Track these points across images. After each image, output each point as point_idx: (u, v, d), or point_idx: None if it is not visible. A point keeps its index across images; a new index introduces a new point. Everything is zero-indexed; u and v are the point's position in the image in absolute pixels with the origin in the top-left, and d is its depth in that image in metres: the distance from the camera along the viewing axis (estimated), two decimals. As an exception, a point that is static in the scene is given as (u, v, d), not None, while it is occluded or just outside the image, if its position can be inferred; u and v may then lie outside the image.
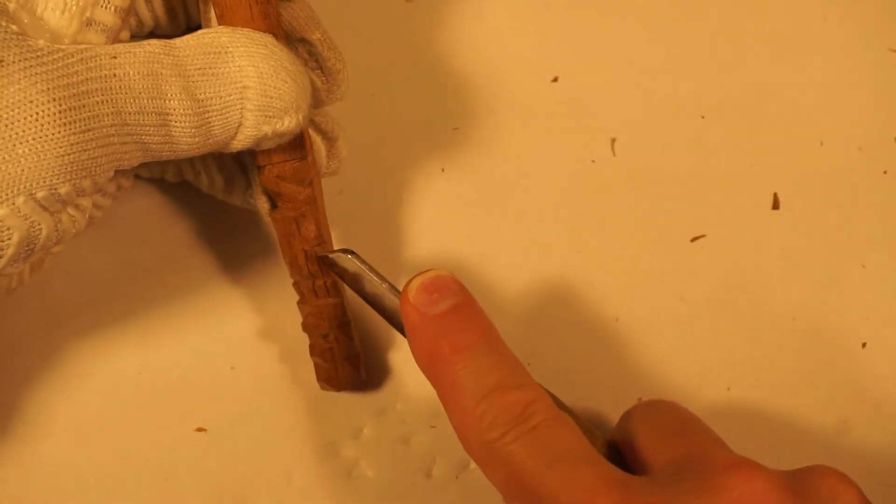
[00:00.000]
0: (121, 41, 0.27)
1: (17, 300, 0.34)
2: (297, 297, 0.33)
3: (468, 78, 0.38)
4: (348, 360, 0.33)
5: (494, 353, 0.29)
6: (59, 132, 0.25)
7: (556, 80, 0.39)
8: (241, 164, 0.33)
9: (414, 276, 0.29)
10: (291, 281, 0.32)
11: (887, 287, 0.37)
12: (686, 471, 0.27)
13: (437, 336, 0.29)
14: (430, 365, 0.29)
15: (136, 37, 0.30)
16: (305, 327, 0.32)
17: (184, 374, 0.34)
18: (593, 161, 0.38)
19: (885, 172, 0.38)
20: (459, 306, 0.29)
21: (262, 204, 0.32)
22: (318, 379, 0.33)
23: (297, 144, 0.31)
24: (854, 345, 0.36)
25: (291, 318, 0.34)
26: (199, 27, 0.30)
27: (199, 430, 0.34)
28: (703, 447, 0.28)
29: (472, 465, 0.34)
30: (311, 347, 0.33)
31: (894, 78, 0.39)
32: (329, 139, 0.33)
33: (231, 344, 0.34)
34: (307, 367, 0.34)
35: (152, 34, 0.31)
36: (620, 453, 0.30)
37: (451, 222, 0.37)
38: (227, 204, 0.34)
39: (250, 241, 0.36)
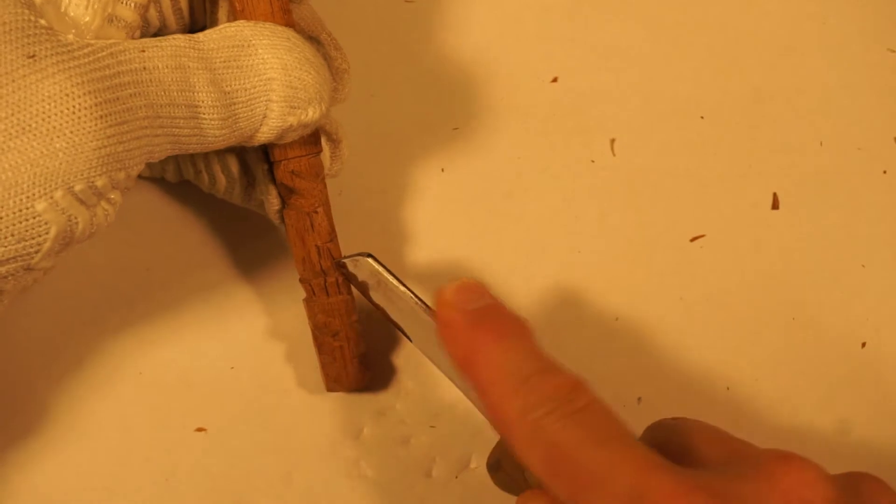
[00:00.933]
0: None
1: (17, 299, 0.34)
2: (299, 298, 0.33)
3: (468, 78, 0.38)
4: (358, 359, 0.33)
5: (533, 344, 0.29)
6: (96, 125, 0.25)
7: (555, 80, 0.39)
8: (243, 164, 0.33)
9: (445, 284, 0.30)
10: (297, 278, 0.32)
11: (887, 287, 0.37)
12: (735, 463, 0.26)
13: (476, 327, 0.29)
14: (467, 357, 0.29)
15: (144, 36, 0.30)
16: (315, 326, 0.32)
17: (184, 374, 0.34)
18: (593, 161, 0.38)
19: (884, 172, 0.38)
20: (494, 305, 0.30)
21: (273, 200, 0.32)
22: (328, 379, 0.33)
23: (312, 139, 0.31)
24: (854, 345, 0.36)
25: (292, 319, 0.34)
26: (203, 29, 0.30)
27: (199, 430, 0.34)
28: (746, 445, 0.28)
29: (473, 464, 0.34)
30: (321, 346, 0.32)
31: (894, 78, 0.39)
32: (333, 141, 0.33)
33: (231, 344, 0.34)
34: (308, 367, 0.34)
35: (157, 35, 0.31)
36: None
37: (451, 222, 0.37)
38: (227, 203, 0.34)
39: (250, 242, 0.36)
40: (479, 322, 0.29)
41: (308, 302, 0.32)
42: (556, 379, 0.28)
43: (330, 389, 0.33)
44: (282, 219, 0.32)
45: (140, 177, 0.35)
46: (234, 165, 0.32)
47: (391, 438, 0.34)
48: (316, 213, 0.31)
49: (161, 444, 0.33)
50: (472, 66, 0.38)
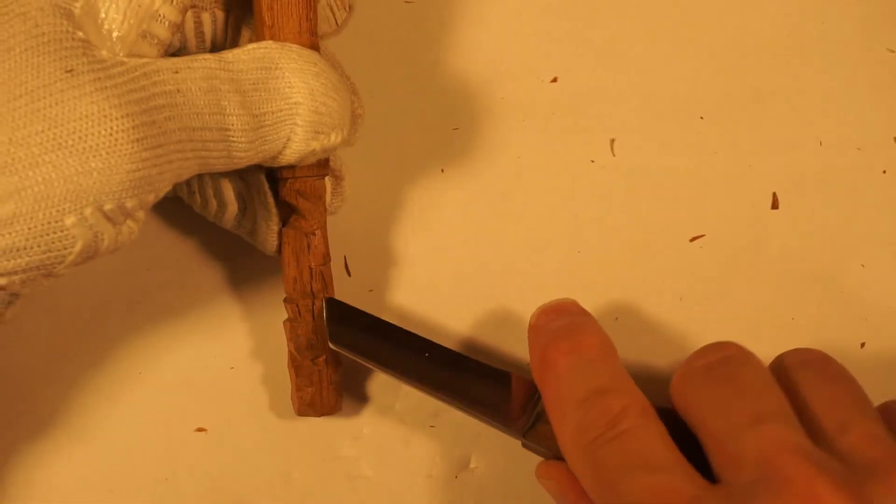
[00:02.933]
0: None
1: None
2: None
3: (468, 78, 0.38)
4: (333, 385, 0.32)
5: (601, 360, 0.29)
6: (132, 148, 0.25)
7: (555, 80, 0.39)
8: (237, 191, 0.32)
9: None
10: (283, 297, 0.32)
11: (887, 287, 0.37)
12: (756, 482, 0.26)
13: (548, 344, 0.30)
14: (539, 371, 0.30)
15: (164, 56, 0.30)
16: (297, 347, 0.32)
17: (184, 374, 0.34)
18: (592, 161, 0.38)
19: (884, 172, 0.38)
20: (575, 322, 0.30)
21: (273, 227, 0.31)
22: (301, 403, 0.32)
23: (323, 162, 0.31)
24: (853, 344, 0.36)
25: (291, 318, 0.34)
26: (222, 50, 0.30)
27: (199, 430, 0.34)
28: (770, 444, 0.27)
29: (473, 464, 0.34)
30: (298, 369, 0.32)
31: (893, 78, 0.39)
32: (336, 177, 0.33)
33: (231, 344, 0.34)
34: (307, 367, 0.34)
35: (175, 55, 0.30)
36: (682, 426, 0.29)
37: (451, 223, 0.37)
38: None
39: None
40: (553, 339, 0.30)
41: (292, 323, 0.32)
42: (607, 400, 0.28)
43: (301, 413, 0.33)
44: (278, 245, 0.32)
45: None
46: (227, 190, 0.32)
47: (391, 438, 0.34)
48: (314, 234, 0.31)
49: (161, 444, 0.33)
50: (472, 66, 0.38)
